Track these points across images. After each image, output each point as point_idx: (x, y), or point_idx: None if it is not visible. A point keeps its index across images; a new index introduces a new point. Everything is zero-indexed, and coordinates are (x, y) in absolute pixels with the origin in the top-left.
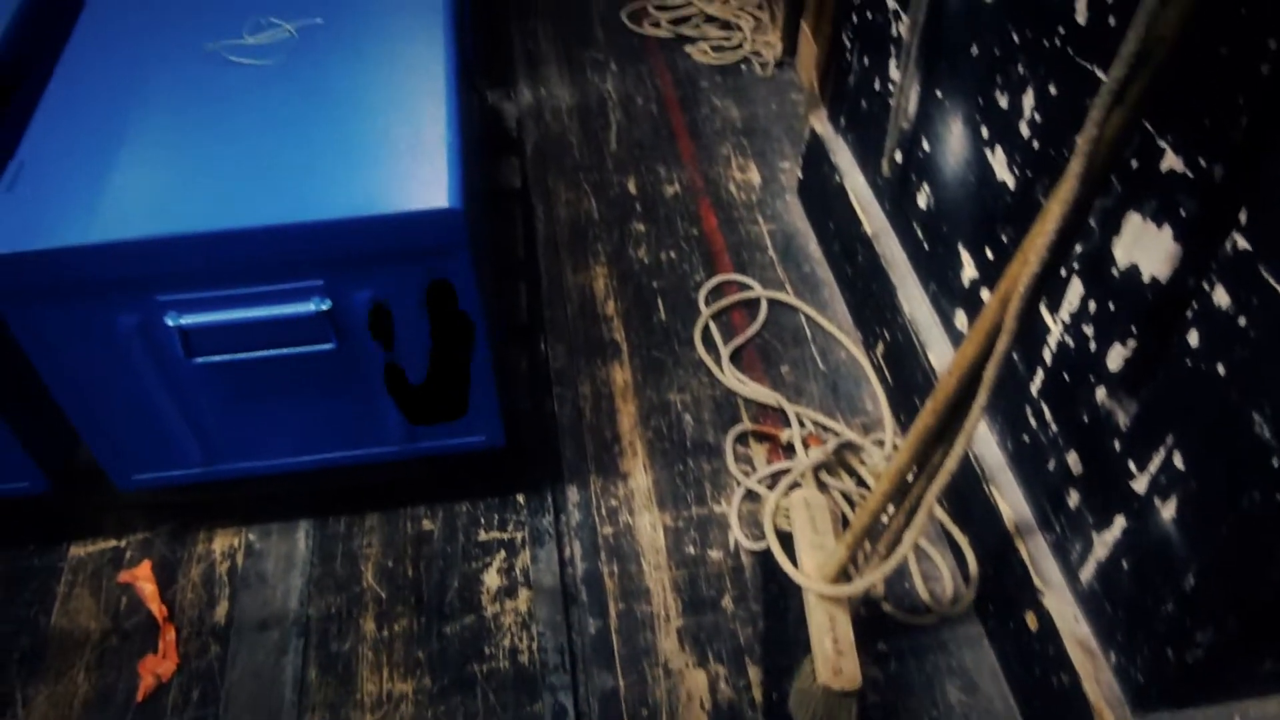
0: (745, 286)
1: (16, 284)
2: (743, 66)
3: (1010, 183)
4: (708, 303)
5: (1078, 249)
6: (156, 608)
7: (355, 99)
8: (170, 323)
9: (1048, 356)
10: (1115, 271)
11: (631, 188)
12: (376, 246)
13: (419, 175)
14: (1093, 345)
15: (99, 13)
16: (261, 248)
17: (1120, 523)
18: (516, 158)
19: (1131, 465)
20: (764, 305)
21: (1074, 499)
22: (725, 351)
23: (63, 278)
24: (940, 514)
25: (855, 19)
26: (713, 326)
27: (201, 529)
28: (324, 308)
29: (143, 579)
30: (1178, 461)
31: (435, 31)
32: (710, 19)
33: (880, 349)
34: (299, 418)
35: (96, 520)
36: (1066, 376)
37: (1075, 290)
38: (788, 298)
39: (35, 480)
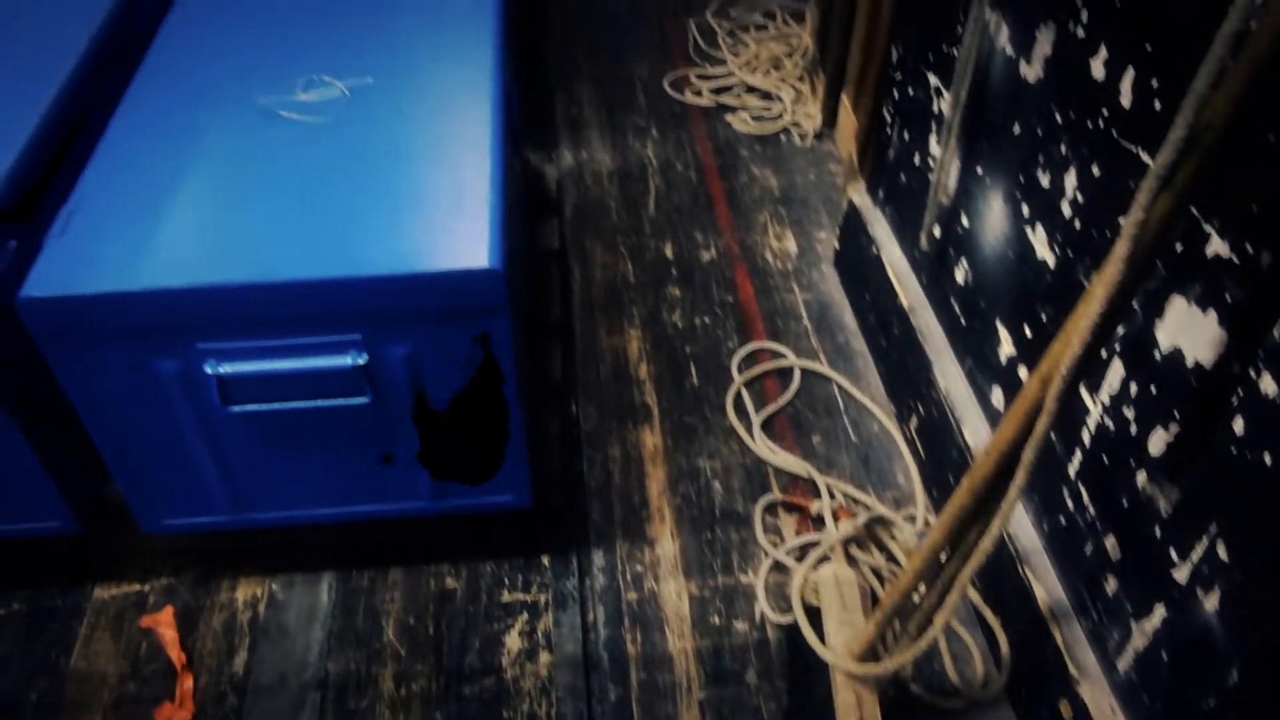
0: (779, 355)
1: (62, 327)
2: (782, 136)
3: (1051, 261)
4: (740, 370)
5: (1120, 331)
6: (176, 655)
7: (401, 157)
8: (209, 370)
9: (1087, 438)
10: (1158, 355)
11: (668, 252)
12: (416, 304)
13: (461, 234)
14: (1134, 428)
15: (159, 65)
16: (302, 300)
17: (1160, 612)
18: (556, 219)
19: (1173, 553)
20: (797, 374)
21: (1112, 585)
22: (757, 419)
23: (107, 322)
24: (972, 594)
25: (896, 94)
26: (745, 394)
27: (225, 577)
28: (360, 362)
29: (164, 625)
30: (1221, 552)
31: (482, 94)
32: (751, 89)
33: (914, 423)
34: (329, 470)
35: (121, 563)
36: (1106, 459)
37: (1116, 372)
38: (821, 368)
39: (66, 521)
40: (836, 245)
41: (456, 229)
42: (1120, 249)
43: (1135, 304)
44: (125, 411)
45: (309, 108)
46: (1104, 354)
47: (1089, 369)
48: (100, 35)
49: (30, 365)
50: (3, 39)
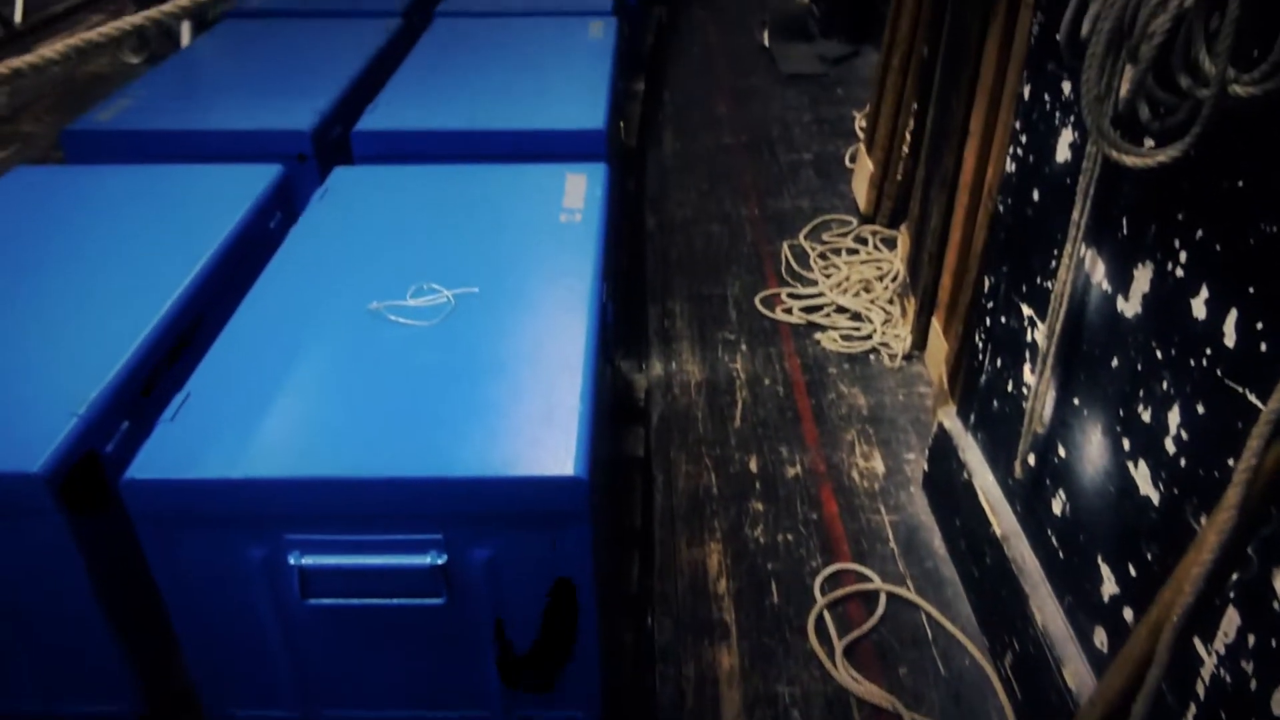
0: (864, 578)
1: (161, 509)
2: (871, 356)
3: (1155, 499)
4: (823, 591)
5: (1234, 577)
6: None
7: (499, 365)
8: (292, 561)
9: (1201, 691)
10: (1277, 605)
11: (753, 466)
12: (499, 508)
13: (548, 442)
14: (1253, 684)
15: (281, 268)
16: (389, 498)
17: None
18: (642, 427)
19: None
20: (883, 599)
21: None
22: (839, 645)
23: (204, 507)
24: None
25: (988, 321)
26: (827, 617)
27: None
28: (439, 562)
29: None
30: None
31: (580, 309)
32: (841, 310)
33: (1009, 659)
34: (399, 670)
35: None
36: (1223, 715)
37: (1231, 621)
38: (909, 594)
39: (134, 704)
40: (925, 468)
41: (545, 438)
42: (1232, 495)
43: (1250, 550)
44: (208, 597)
45: (416, 312)
46: (1217, 602)
47: (1202, 618)
48: (231, 238)
49: (124, 546)
50: (146, 236)
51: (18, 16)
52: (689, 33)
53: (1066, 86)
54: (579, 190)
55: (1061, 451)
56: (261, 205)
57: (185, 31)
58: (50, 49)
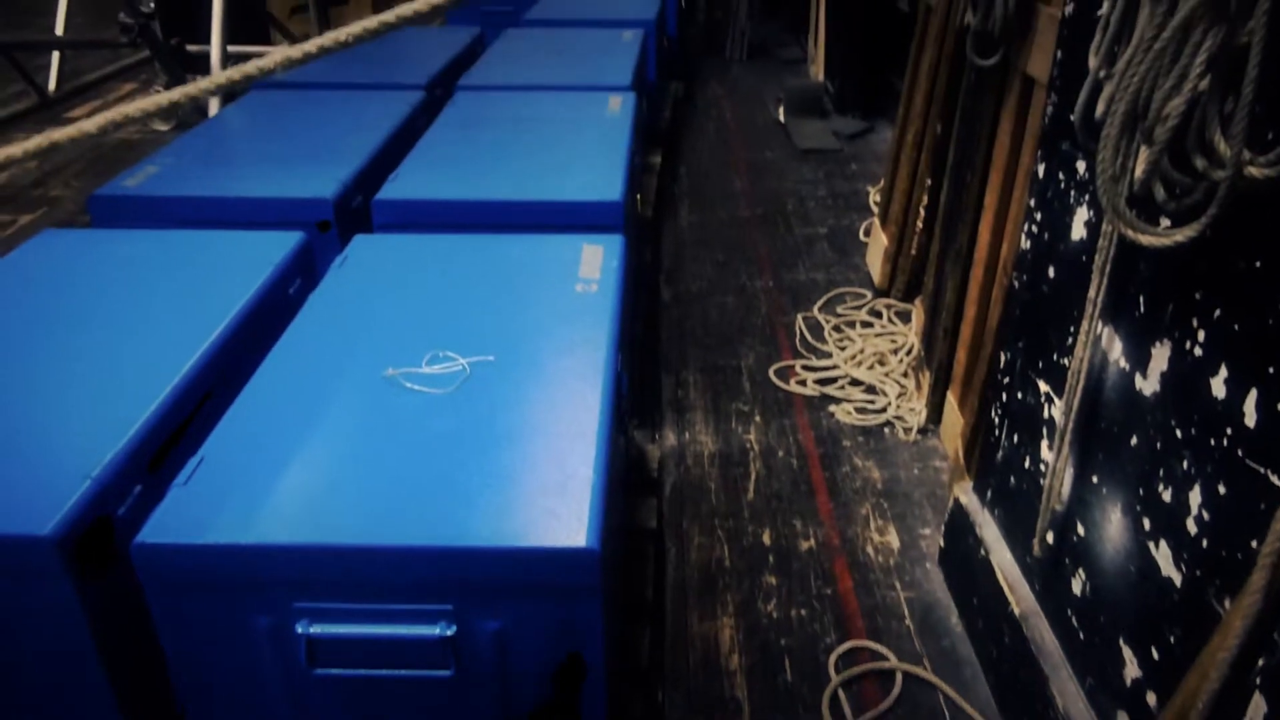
0: (879, 656)
1: (171, 574)
2: (886, 430)
3: (1177, 580)
4: (838, 669)
5: (1260, 663)
6: None
7: (513, 435)
8: (300, 630)
9: None
10: None
11: (766, 539)
12: (510, 578)
13: (561, 514)
14: None
15: (298, 335)
16: (400, 566)
17: None
18: (655, 498)
19: None
20: (899, 679)
21: None
22: None
23: (214, 572)
24: None
25: (1004, 397)
26: (842, 695)
27: None
28: (448, 633)
29: None
30: None
31: (594, 380)
32: (856, 382)
33: None
34: None
35: None
36: None
37: (1258, 708)
38: (925, 673)
39: None
40: (942, 543)
41: (558, 508)
42: (1257, 579)
43: (1277, 636)
44: (214, 663)
45: (432, 380)
46: (1243, 688)
47: (1228, 705)
48: (250, 304)
49: (130, 609)
50: (167, 300)
51: (51, 85)
52: (705, 108)
53: (1081, 166)
54: (595, 261)
55: (1081, 530)
56: (282, 271)
57: (213, 101)
58: (87, 123)
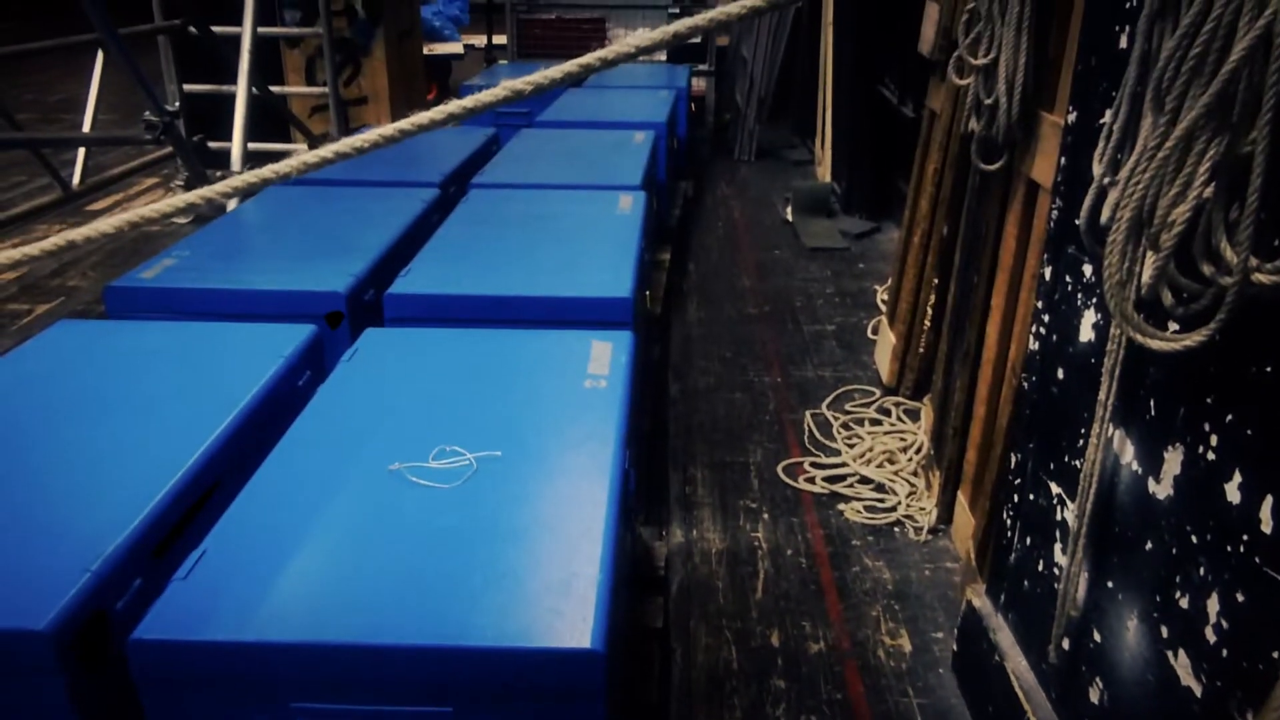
0: None
1: (167, 671)
2: (896, 529)
3: (1197, 690)
4: None
5: None
6: None
7: (518, 532)
8: None
9: None
10: None
11: (774, 640)
12: (512, 680)
13: (566, 614)
14: None
15: (304, 428)
16: (398, 666)
17: None
18: (661, 597)
19: None
20: None
21: None
22: None
23: (210, 670)
24: None
25: (1016, 498)
26: None
27: None
28: None
29: None
30: None
31: (602, 478)
32: (865, 480)
33: None
34: None
35: None
36: None
37: None
38: None
39: None
40: (955, 648)
41: (563, 608)
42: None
43: None
44: None
45: (437, 475)
46: None
47: None
48: (258, 396)
49: (123, 705)
50: (175, 391)
51: (76, 179)
52: (714, 206)
53: (1088, 269)
54: (604, 357)
55: (1098, 636)
56: (291, 364)
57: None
58: (104, 223)
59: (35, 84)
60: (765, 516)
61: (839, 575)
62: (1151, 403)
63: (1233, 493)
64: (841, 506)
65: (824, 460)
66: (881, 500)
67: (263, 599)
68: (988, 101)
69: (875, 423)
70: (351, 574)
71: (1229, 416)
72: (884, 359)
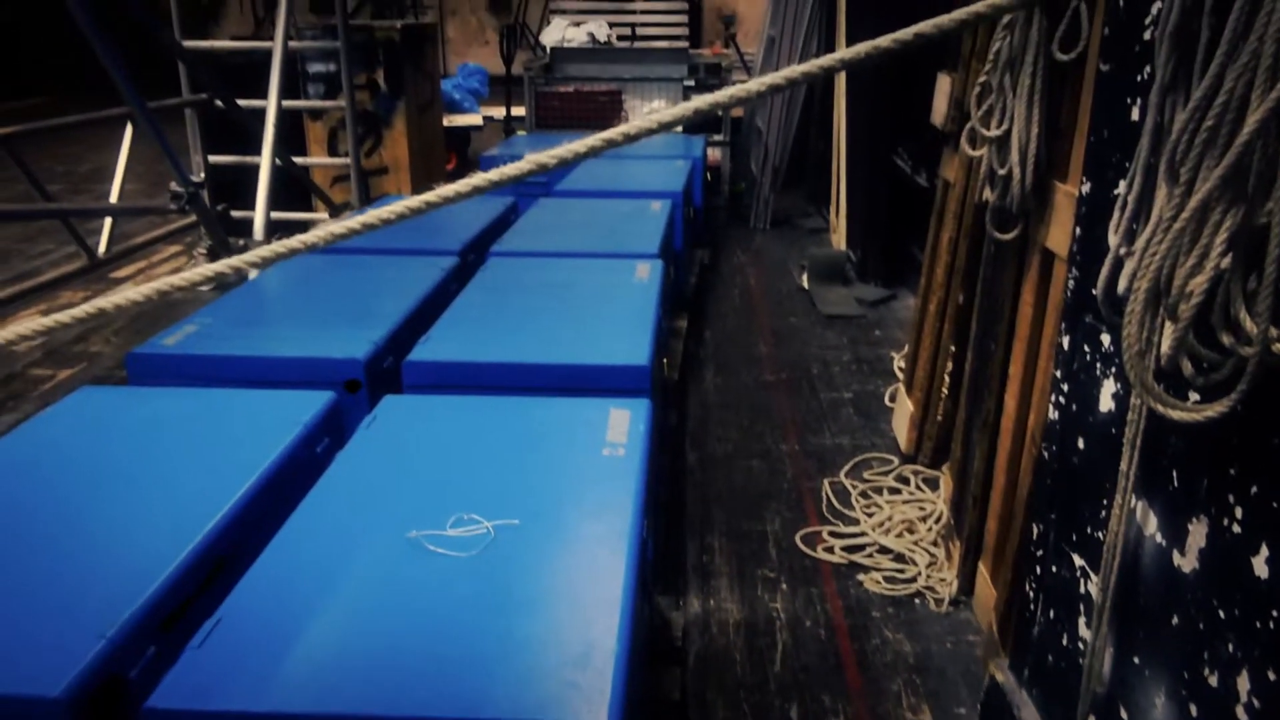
0: None
1: None
2: (916, 600)
3: None
4: None
5: None
6: None
7: (535, 602)
8: None
9: None
10: None
11: (793, 714)
12: None
13: (582, 686)
14: None
15: (321, 496)
16: None
17: None
18: (678, 668)
19: None
20: None
21: None
22: None
23: None
24: None
25: (1038, 570)
26: None
27: None
28: None
29: None
30: None
31: (620, 542)
32: (884, 550)
33: None
34: None
35: None
36: None
37: None
38: None
39: None
40: None
41: (579, 682)
42: None
43: None
44: None
45: (455, 543)
46: None
47: None
48: (276, 463)
49: None
50: (194, 458)
51: (102, 247)
52: (730, 274)
53: (1106, 338)
54: (622, 425)
55: (1124, 714)
56: (310, 431)
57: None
58: (134, 292)
59: (68, 155)
60: (783, 586)
61: (859, 647)
62: (1174, 473)
63: (1260, 567)
64: (861, 576)
65: (842, 529)
66: (901, 570)
67: (278, 668)
68: (1001, 172)
69: (894, 491)
70: (368, 644)
71: (1254, 488)
72: (902, 427)
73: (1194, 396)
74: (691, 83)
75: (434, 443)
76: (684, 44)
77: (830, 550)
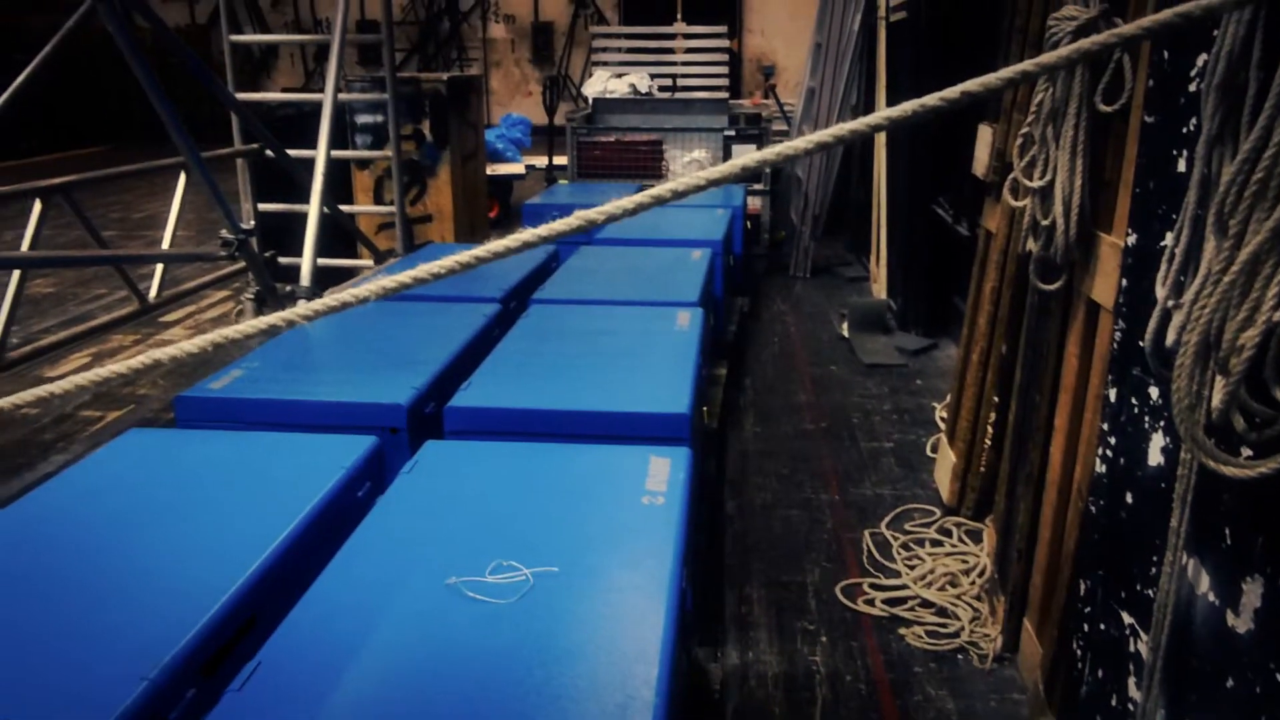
0: None
1: None
2: (960, 656)
3: None
4: None
5: None
6: None
7: (574, 651)
8: None
9: None
10: None
11: None
12: None
13: None
14: None
15: (361, 542)
16: None
17: None
18: None
19: None
20: None
21: None
22: None
23: None
24: None
25: (1086, 627)
26: None
27: None
28: None
29: None
30: None
31: (659, 592)
32: (926, 604)
33: None
34: None
35: None
36: None
37: None
38: None
39: None
40: None
41: None
42: None
43: None
44: None
45: (494, 590)
46: None
47: None
48: (318, 507)
49: None
50: (238, 501)
51: (153, 293)
52: (770, 322)
53: (1154, 391)
54: (662, 473)
55: None
56: (352, 475)
57: None
58: (188, 344)
59: (122, 202)
60: (823, 639)
61: (900, 704)
62: (1227, 531)
63: None
64: (902, 630)
65: (883, 581)
66: (944, 625)
67: (316, 713)
68: (1044, 223)
69: (936, 544)
70: (405, 691)
71: None
72: (944, 478)
73: (1246, 452)
74: (732, 133)
75: (474, 488)
76: (724, 94)
77: (871, 603)
